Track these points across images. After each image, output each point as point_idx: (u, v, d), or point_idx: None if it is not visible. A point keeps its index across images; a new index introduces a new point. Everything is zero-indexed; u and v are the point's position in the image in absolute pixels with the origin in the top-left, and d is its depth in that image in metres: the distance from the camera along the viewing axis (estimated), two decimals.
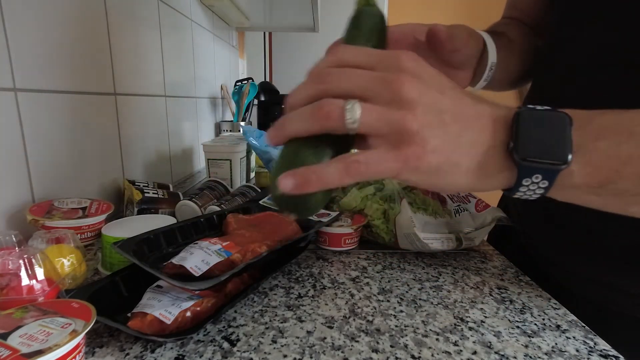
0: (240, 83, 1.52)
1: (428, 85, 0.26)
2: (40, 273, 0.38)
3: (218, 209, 0.63)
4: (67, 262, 0.43)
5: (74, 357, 0.30)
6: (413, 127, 0.25)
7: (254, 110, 1.73)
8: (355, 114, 0.25)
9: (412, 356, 0.35)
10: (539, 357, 0.35)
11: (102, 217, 0.56)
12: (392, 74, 0.26)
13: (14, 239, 0.42)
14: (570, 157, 0.25)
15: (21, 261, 0.37)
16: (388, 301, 0.44)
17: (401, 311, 0.42)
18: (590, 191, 0.27)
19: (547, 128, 0.26)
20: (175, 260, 0.40)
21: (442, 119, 0.26)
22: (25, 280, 0.37)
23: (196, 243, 0.43)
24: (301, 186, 0.26)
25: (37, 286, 0.38)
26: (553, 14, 0.51)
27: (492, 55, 0.46)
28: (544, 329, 0.39)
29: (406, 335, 0.38)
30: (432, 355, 0.35)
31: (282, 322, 0.39)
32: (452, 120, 0.26)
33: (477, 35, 0.46)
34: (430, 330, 0.38)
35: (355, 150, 0.28)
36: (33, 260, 0.38)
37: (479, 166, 0.27)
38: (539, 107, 0.27)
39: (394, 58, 0.27)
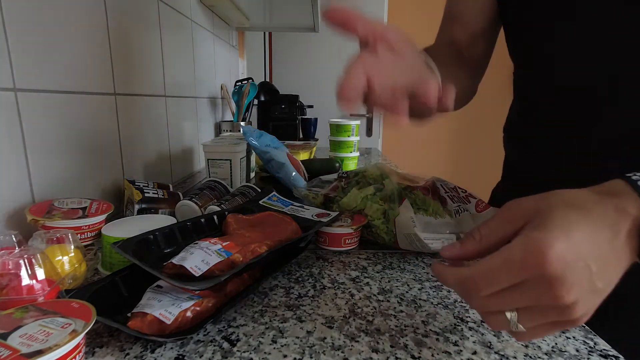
0: (240, 83, 1.52)
1: (579, 278, 0.26)
2: (40, 273, 0.38)
3: (218, 209, 0.63)
4: (67, 262, 0.43)
5: (74, 357, 0.30)
6: (576, 317, 0.27)
7: (254, 110, 1.73)
8: (519, 327, 0.28)
9: (412, 356, 0.35)
10: (539, 357, 0.35)
11: (102, 217, 0.56)
12: (544, 289, 0.26)
13: (13, 238, 0.42)
14: None
15: (21, 261, 0.37)
16: (388, 301, 0.44)
17: (401, 311, 0.42)
18: None
19: None
20: (175, 260, 0.40)
21: (595, 295, 0.28)
22: (25, 280, 0.37)
23: (196, 243, 0.43)
24: None
25: (37, 286, 0.38)
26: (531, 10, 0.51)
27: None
28: None
29: (406, 335, 0.38)
30: (432, 355, 0.35)
31: (282, 322, 0.39)
32: (603, 287, 0.28)
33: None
34: (430, 330, 0.38)
35: None
36: (33, 260, 0.38)
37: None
38: None
39: (535, 264, 0.26)
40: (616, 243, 0.28)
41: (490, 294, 0.28)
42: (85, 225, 0.54)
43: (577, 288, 0.26)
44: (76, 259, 0.44)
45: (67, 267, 0.42)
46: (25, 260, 0.38)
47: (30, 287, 0.37)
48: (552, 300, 0.26)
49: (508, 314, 0.28)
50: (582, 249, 0.26)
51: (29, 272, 0.38)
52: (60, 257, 0.43)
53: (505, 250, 0.27)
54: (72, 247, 0.45)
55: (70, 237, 0.46)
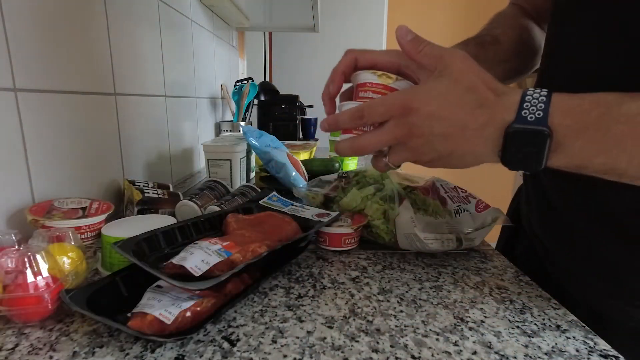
0: (240, 83, 1.52)
1: (427, 132, 0.36)
2: (44, 270, 0.38)
3: (218, 209, 0.63)
4: (68, 260, 0.43)
5: None
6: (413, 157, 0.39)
7: (254, 110, 1.73)
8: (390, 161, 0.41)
9: (412, 356, 0.35)
10: (539, 357, 0.35)
11: (102, 217, 0.56)
12: (403, 129, 0.37)
13: (14, 237, 0.43)
14: (540, 166, 0.32)
15: (26, 258, 0.38)
16: (388, 301, 0.44)
17: (401, 311, 0.42)
18: (573, 170, 0.33)
19: (526, 151, 0.32)
20: (175, 260, 0.40)
21: (439, 147, 0.36)
22: (30, 277, 0.37)
23: (196, 243, 0.43)
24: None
25: (42, 283, 0.38)
26: None
27: None
28: (544, 329, 0.39)
29: (406, 335, 0.38)
30: (432, 355, 0.35)
31: (282, 322, 0.39)
32: (450, 144, 0.36)
33: None
34: (430, 330, 0.38)
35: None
36: (38, 257, 0.38)
37: (477, 161, 0.36)
38: (527, 116, 0.32)
39: (403, 110, 0.36)
40: (475, 130, 0.34)
41: (372, 122, 0.38)
42: (85, 225, 0.54)
43: (424, 140, 0.35)
44: (77, 257, 0.44)
45: (67, 265, 0.43)
46: (30, 257, 0.38)
47: (35, 284, 0.37)
48: (406, 138, 0.36)
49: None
50: (441, 114, 0.34)
51: (34, 269, 0.38)
52: (61, 255, 0.43)
53: (392, 94, 0.37)
54: (73, 245, 0.45)
55: (70, 235, 0.46)
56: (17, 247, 0.42)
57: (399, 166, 0.42)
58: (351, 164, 1.24)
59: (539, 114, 0.31)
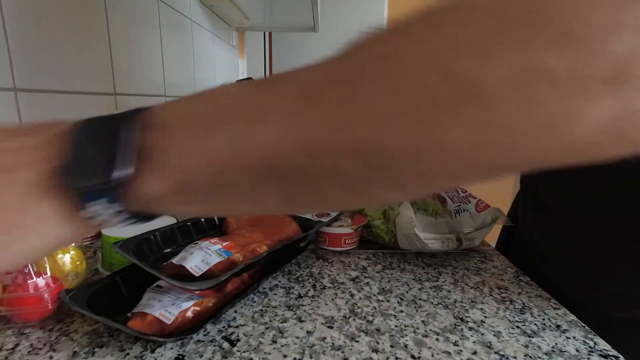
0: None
1: None
2: (45, 270, 0.38)
3: None
4: (68, 260, 0.43)
5: None
6: None
7: None
8: None
9: (412, 356, 0.35)
10: (539, 357, 0.35)
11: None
12: None
13: None
14: (130, 168, 0.19)
15: None
16: (388, 301, 0.44)
17: (401, 311, 0.42)
18: (176, 200, 0.21)
19: (101, 142, 0.20)
20: (175, 260, 0.40)
21: None
22: (30, 277, 0.37)
23: (196, 243, 0.43)
24: None
25: (42, 283, 0.38)
26: None
27: None
28: (544, 329, 0.39)
29: (406, 335, 0.38)
30: (432, 355, 0.35)
31: (282, 322, 0.39)
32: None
33: None
34: (430, 330, 0.38)
35: None
36: None
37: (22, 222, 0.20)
38: (99, 121, 0.22)
39: None
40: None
41: None
42: None
43: None
44: (77, 257, 0.44)
45: (67, 265, 0.43)
46: None
47: (36, 284, 0.37)
48: None
49: None
50: None
51: (34, 269, 0.38)
52: (61, 255, 0.43)
53: None
54: (73, 245, 0.45)
55: None
56: None
57: None
58: None
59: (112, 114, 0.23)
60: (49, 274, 0.39)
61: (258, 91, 0.20)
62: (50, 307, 0.38)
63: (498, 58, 0.15)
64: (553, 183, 0.48)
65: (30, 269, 0.38)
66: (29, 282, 0.37)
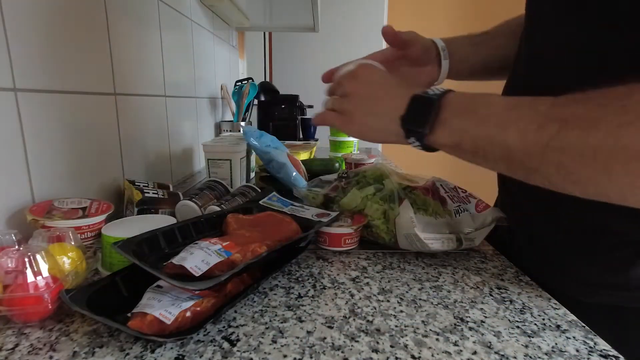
0: (240, 83, 1.52)
1: (360, 82, 0.48)
2: (45, 270, 0.38)
3: (218, 209, 0.63)
4: (68, 260, 0.43)
5: None
6: (345, 107, 0.48)
7: (254, 110, 1.73)
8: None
9: (412, 356, 0.35)
10: (539, 357, 0.35)
11: (102, 217, 0.56)
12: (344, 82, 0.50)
13: (13, 237, 0.43)
14: (427, 129, 0.40)
15: (26, 259, 0.38)
16: (388, 301, 0.44)
17: (401, 311, 0.42)
18: (453, 149, 0.41)
19: (420, 111, 0.41)
20: (175, 260, 0.40)
21: (361, 102, 0.47)
22: (30, 277, 0.37)
23: (196, 243, 0.43)
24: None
25: (42, 283, 0.38)
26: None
27: (440, 43, 0.62)
28: (544, 329, 0.39)
29: (406, 335, 0.38)
30: (432, 355, 0.35)
31: (282, 322, 0.39)
32: (371, 100, 0.46)
33: (427, 40, 0.63)
34: (430, 330, 0.38)
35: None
36: (38, 257, 0.38)
37: (385, 127, 0.45)
38: (429, 92, 0.41)
39: (350, 75, 0.50)
40: (395, 94, 0.44)
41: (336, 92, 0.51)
42: (85, 225, 0.54)
43: (355, 84, 0.48)
44: (77, 257, 0.44)
45: (67, 265, 0.43)
46: (30, 257, 0.38)
47: (35, 284, 0.37)
48: (345, 89, 0.49)
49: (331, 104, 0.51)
50: (373, 76, 0.48)
51: (35, 269, 0.38)
52: (61, 255, 0.43)
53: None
54: (73, 245, 0.45)
55: (70, 235, 0.46)
56: (17, 247, 0.42)
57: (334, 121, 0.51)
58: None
59: (436, 92, 0.41)
60: (48, 274, 0.39)
61: (511, 109, 0.36)
62: (50, 307, 0.38)
63: None
64: (528, 195, 0.54)
65: (30, 269, 0.38)
66: (29, 282, 0.37)
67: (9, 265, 0.38)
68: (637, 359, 0.39)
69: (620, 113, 0.29)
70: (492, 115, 0.37)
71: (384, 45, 0.64)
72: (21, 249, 0.40)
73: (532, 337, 0.38)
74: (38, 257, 0.38)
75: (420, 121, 0.41)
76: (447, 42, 0.63)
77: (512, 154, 0.35)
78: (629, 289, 0.46)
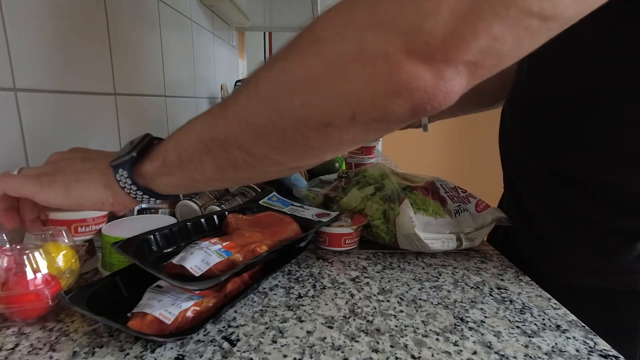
0: (240, 83, 1.52)
1: (73, 151, 0.45)
2: (44, 267, 0.39)
3: (218, 209, 0.63)
4: (62, 258, 0.43)
5: None
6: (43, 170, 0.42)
7: None
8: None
9: (412, 356, 0.35)
10: (539, 357, 0.35)
11: (105, 211, 0.56)
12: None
13: (4, 237, 0.42)
14: (135, 153, 0.39)
15: (25, 256, 0.38)
16: (388, 301, 0.44)
17: (401, 311, 0.42)
18: (165, 171, 0.39)
19: (125, 148, 0.41)
20: (175, 260, 0.40)
21: (69, 164, 0.42)
22: (30, 275, 0.37)
23: (196, 243, 0.43)
24: None
25: (41, 280, 0.38)
26: None
27: None
28: (544, 329, 0.39)
29: (406, 335, 0.38)
30: (432, 355, 0.35)
31: (282, 322, 0.39)
32: (77, 163, 0.42)
33: None
34: (430, 330, 0.38)
35: None
36: (36, 255, 0.38)
37: (94, 177, 0.41)
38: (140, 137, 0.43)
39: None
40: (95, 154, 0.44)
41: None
42: (90, 218, 0.53)
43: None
44: (71, 256, 0.44)
45: (61, 263, 0.42)
46: (29, 255, 0.38)
47: (34, 281, 0.37)
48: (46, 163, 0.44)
49: None
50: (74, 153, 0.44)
51: (34, 267, 0.38)
52: (56, 254, 0.43)
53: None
54: (67, 244, 0.45)
55: (64, 234, 0.46)
56: (8, 246, 0.42)
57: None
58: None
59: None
60: (46, 271, 0.39)
61: (201, 114, 0.38)
62: (50, 303, 0.38)
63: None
64: (532, 193, 0.57)
65: (29, 267, 0.38)
66: (28, 279, 0.37)
67: (8, 263, 0.38)
68: (618, 333, 0.42)
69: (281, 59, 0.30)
70: (185, 126, 0.39)
71: None
72: (18, 247, 0.40)
73: (532, 337, 0.38)
74: (37, 254, 0.38)
75: (129, 149, 0.40)
76: None
77: (205, 140, 0.35)
78: (615, 274, 0.49)
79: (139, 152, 0.39)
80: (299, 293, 0.45)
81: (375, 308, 0.42)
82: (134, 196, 0.40)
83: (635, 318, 0.48)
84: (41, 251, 0.39)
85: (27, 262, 0.38)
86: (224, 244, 0.43)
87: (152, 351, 0.35)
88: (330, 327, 0.39)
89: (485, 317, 0.41)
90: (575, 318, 0.41)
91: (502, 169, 0.64)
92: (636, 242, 0.48)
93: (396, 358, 0.34)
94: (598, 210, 0.49)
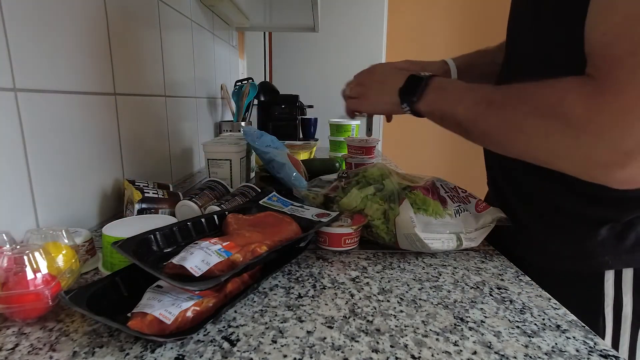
0: (240, 83, 1.52)
1: (372, 72, 0.67)
2: (44, 267, 0.39)
3: (218, 209, 0.63)
4: (62, 258, 0.43)
5: None
6: (362, 92, 0.66)
7: (254, 110, 1.73)
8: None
9: (412, 356, 0.35)
10: (539, 357, 0.35)
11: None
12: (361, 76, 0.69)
13: (4, 237, 0.42)
14: (415, 98, 0.56)
15: (25, 256, 0.38)
16: (388, 301, 0.44)
17: (401, 311, 0.42)
18: (428, 114, 0.56)
19: (412, 85, 0.57)
20: (175, 260, 0.40)
21: (372, 87, 0.65)
22: (30, 275, 0.38)
23: (196, 243, 0.43)
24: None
25: (41, 280, 0.38)
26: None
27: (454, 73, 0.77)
28: (544, 329, 0.39)
29: (406, 335, 0.38)
30: (432, 355, 0.35)
31: (282, 322, 0.39)
32: (379, 82, 0.64)
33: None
34: (430, 330, 0.39)
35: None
36: (36, 255, 0.38)
37: (388, 99, 0.60)
38: (421, 74, 0.57)
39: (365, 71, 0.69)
40: (396, 76, 0.60)
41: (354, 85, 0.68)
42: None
43: (366, 76, 0.67)
44: (71, 256, 0.44)
45: (61, 263, 0.43)
46: (29, 254, 0.38)
47: (34, 281, 0.37)
48: (361, 79, 0.67)
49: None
50: (380, 68, 0.68)
51: (34, 267, 0.38)
52: (56, 254, 0.43)
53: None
54: (67, 244, 0.45)
55: (63, 234, 0.46)
56: (7, 246, 0.42)
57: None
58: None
59: (426, 74, 0.57)
60: (46, 271, 0.39)
61: (464, 90, 0.53)
62: (50, 303, 0.38)
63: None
64: (511, 188, 0.65)
65: (29, 267, 0.38)
66: (28, 279, 0.37)
67: (7, 263, 0.38)
68: (584, 307, 0.47)
69: (521, 102, 0.45)
70: (454, 94, 0.53)
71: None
72: (18, 247, 0.40)
73: (532, 337, 0.38)
74: (37, 254, 0.38)
75: (412, 92, 0.56)
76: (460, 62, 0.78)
77: (459, 121, 0.51)
78: (581, 259, 0.56)
79: (419, 97, 0.56)
80: (299, 293, 0.45)
81: (375, 308, 0.42)
82: (407, 112, 0.59)
83: (598, 295, 0.55)
84: (41, 251, 0.39)
85: (27, 262, 0.38)
86: (224, 244, 0.43)
87: (152, 351, 0.35)
88: (330, 327, 0.39)
89: (485, 317, 0.41)
90: (575, 318, 0.41)
91: (485, 166, 0.72)
92: (600, 228, 0.54)
93: (396, 358, 0.34)
94: (569, 201, 0.55)
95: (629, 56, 0.37)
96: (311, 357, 0.34)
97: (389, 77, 0.62)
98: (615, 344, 0.55)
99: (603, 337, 0.55)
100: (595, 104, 0.39)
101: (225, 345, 0.36)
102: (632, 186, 0.40)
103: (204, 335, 0.37)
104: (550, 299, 0.45)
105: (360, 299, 0.44)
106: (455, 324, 0.40)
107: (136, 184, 0.69)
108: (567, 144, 0.41)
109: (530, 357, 0.35)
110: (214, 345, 0.35)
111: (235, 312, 0.41)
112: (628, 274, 0.54)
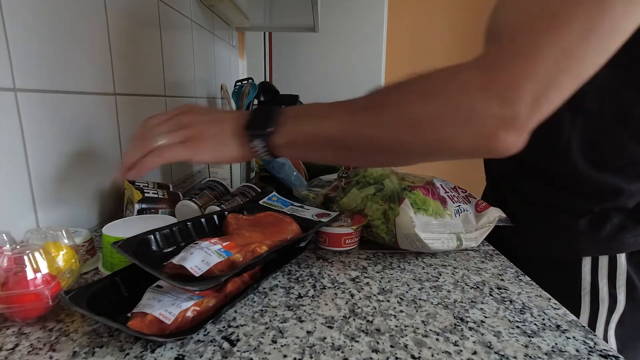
0: (240, 83, 1.52)
1: (195, 112, 0.49)
2: (44, 267, 0.39)
3: (218, 209, 0.63)
4: (62, 258, 0.43)
5: None
6: (191, 135, 0.47)
7: None
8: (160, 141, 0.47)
9: (412, 356, 0.35)
10: (539, 357, 0.35)
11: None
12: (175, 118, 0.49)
13: (4, 237, 0.42)
14: (270, 127, 0.44)
15: (25, 256, 0.38)
16: (388, 301, 0.44)
17: (401, 311, 0.42)
18: (290, 147, 0.45)
19: (262, 117, 0.46)
20: (175, 260, 0.40)
21: (205, 127, 0.47)
22: (30, 275, 0.37)
23: (196, 243, 0.43)
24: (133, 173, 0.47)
25: (41, 279, 0.38)
26: None
27: None
28: (544, 329, 0.39)
29: (406, 335, 0.38)
30: (432, 355, 0.35)
31: (282, 322, 0.39)
32: (213, 122, 0.48)
33: None
34: (430, 330, 0.39)
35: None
36: (36, 255, 0.38)
37: (232, 141, 0.47)
38: (264, 109, 0.47)
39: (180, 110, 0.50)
40: (229, 115, 0.49)
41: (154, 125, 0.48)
42: None
43: (192, 116, 0.49)
44: (71, 256, 0.44)
45: (61, 263, 0.43)
46: (29, 254, 0.38)
47: (34, 281, 0.37)
48: (181, 121, 0.48)
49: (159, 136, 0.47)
50: (204, 109, 0.53)
51: (34, 267, 0.38)
52: (56, 254, 0.43)
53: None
54: (67, 244, 0.45)
55: (64, 234, 0.46)
56: (8, 246, 0.42)
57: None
58: None
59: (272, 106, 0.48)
60: (46, 271, 0.39)
61: (332, 105, 0.44)
62: (50, 303, 0.38)
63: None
64: (508, 186, 0.69)
65: (29, 267, 0.38)
66: (28, 279, 0.37)
67: (7, 263, 0.38)
68: (564, 292, 0.49)
69: (408, 92, 0.41)
70: (318, 113, 0.45)
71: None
72: (18, 247, 0.40)
73: (532, 337, 0.38)
74: (37, 254, 0.38)
75: (263, 124, 0.45)
76: None
77: (332, 137, 0.43)
78: (562, 249, 0.61)
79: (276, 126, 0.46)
80: (299, 293, 0.45)
81: (375, 308, 0.42)
82: (259, 155, 0.48)
83: (576, 281, 0.60)
84: (41, 251, 0.39)
85: (27, 262, 0.38)
86: (224, 244, 0.43)
87: (152, 351, 0.35)
88: (330, 327, 0.39)
89: (485, 317, 0.41)
90: (575, 318, 0.41)
91: (483, 163, 0.75)
92: (579, 219, 0.59)
93: (396, 358, 0.34)
94: (555, 196, 0.60)
95: (537, 21, 0.35)
96: (311, 357, 0.34)
97: (221, 115, 0.50)
98: (592, 326, 0.59)
99: (579, 319, 0.57)
100: (489, 72, 0.37)
101: (225, 345, 0.36)
102: (512, 152, 0.38)
103: (204, 335, 0.37)
104: (550, 299, 0.45)
105: (360, 299, 0.44)
106: (455, 324, 0.40)
107: (136, 184, 0.69)
108: (461, 116, 0.38)
109: (530, 357, 0.35)
110: (214, 345, 0.35)
111: (235, 312, 0.41)
112: (604, 261, 0.58)
